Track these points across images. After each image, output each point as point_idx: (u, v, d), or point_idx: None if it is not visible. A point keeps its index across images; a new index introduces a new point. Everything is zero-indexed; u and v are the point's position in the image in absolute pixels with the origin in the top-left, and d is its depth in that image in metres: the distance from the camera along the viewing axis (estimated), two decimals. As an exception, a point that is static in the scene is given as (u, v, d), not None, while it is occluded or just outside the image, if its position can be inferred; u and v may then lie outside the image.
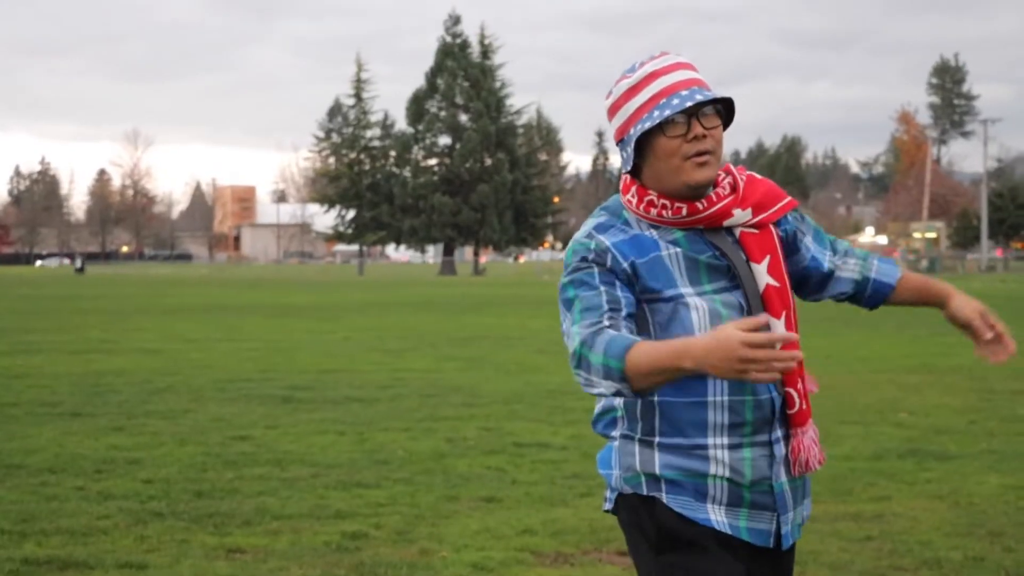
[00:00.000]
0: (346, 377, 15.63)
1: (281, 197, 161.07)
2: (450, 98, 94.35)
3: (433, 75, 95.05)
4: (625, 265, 2.98)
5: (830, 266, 3.27)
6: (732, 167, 3.13)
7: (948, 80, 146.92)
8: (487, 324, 27.16)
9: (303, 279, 71.53)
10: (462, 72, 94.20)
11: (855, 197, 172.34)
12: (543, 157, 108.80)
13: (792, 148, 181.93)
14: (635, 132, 2.98)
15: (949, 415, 12.09)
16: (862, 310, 3.12)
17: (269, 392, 13.85)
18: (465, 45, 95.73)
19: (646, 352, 2.76)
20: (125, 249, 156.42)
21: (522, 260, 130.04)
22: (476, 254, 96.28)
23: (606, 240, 3.01)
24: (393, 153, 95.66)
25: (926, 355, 18.73)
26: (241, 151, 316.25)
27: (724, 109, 3.06)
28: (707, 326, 2.95)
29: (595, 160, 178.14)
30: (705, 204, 3.01)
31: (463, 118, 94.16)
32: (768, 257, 3.06)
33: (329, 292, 48.51)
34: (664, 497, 3.01)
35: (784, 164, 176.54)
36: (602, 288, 2.95)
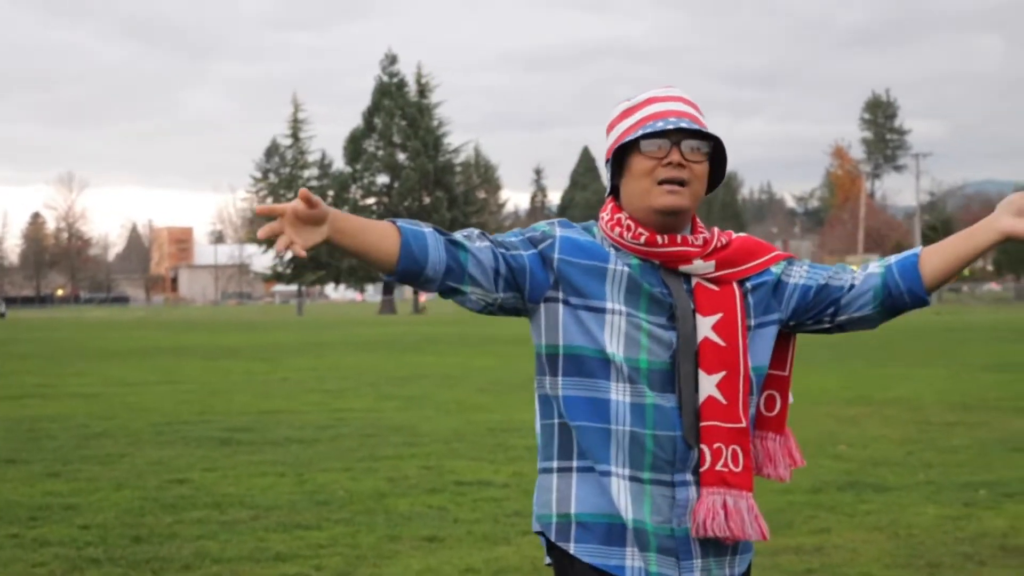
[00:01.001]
0: (285, 418, 15.52)
1: (219, 238, 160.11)
2: (388, 137, 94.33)
3: (370, 114, 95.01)
4: (554, 255, 2.96)
5: (823, 281, 3.10)
6: (718, 231, 3.06)
7: (880, 115, 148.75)
8: (427, 363, 27.09)
9: (241, 320, 71.06)
10: (399, 111, 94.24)
11: (791, 231, 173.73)
12: (481, 195, 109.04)
13: (729, 184, 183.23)
14: (615, 150, 3.02)
15: (887, 447, 12.18)
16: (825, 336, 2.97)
17: (207, 434, 13.72)
18: (402, 84, 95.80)
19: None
20: (60, 292, 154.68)
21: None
22: (416, 293, 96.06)
23: (559, 232, 3.00)
24: (331, 193, 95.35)
25: (864, 387, 18.87)
26: (178, 193, 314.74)
27: (715, 154, 3.04)
28: (619, 345, 2.90)
29: (533, 197, 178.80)
30: (666, 240, 2.97)
31: (401, 157, 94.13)
32: (720, 314, 2.97)
33: (268, 332, 48.22)
34: (572, 547, 2.96)
35: (721, 199, 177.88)
36: (513, 239, 3.00)
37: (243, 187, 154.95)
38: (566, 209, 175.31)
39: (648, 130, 2.93)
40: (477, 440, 13.12)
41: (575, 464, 2.97)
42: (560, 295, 2.96)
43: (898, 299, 3.08)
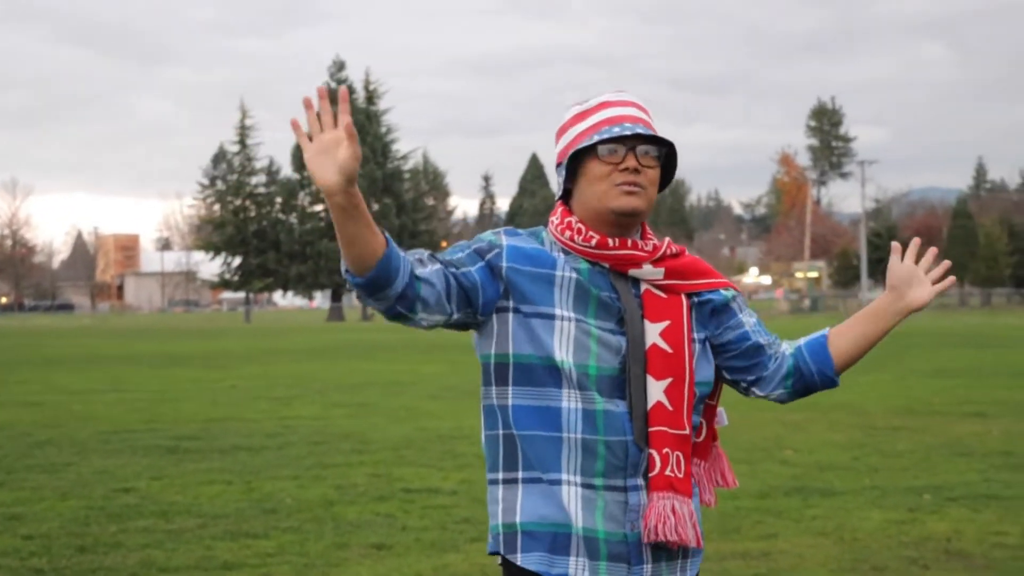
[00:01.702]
0: (233, 426, 15.44)
1: (165, 245, 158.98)
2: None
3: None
4: (502, 265, 2.94)
5: (762, 342, 3.14)
6: (669, 241, 3.07)
7: (826, 123, 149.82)
8: (376, 370, 27.02)
9: (189, 327, 70.61)
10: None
11: (739, 238, 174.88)
12: (430, 202, 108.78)
13: (676, 190, 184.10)
14: (570, 154, 3.00)
15: (833, 452, 12.28)
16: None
17: (154, 443, 13.63)
18: (350, 91, 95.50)
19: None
20: (4, 300, 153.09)
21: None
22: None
23: (505, 241, 2.98)
24: (279, 199, 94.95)
25: (810, 393, 18.98)
26: (124, 199, 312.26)
27: (666, 162, 3.06)
28: (568, 351, 2.89)
29: (482, 204, 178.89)
30: (617, 243, 2.97)
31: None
32: (668, 322, 2.98)
33: (215, 340, 47.94)
34: (519, 558, 2.94)
35: (668, 206, 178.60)
36: (461, 255, 2.96)
37: (190, 194, 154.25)
38: (515, 216, 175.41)
39: (605, 135, 2.94)
40: (426, 447, 13.11)
41: (520, 475, 2.95)
42: (511, 304, 2.94)
43: (809, 381, 3.18)
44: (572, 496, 2.91)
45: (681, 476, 2.95)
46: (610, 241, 2.96)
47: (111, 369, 28.42)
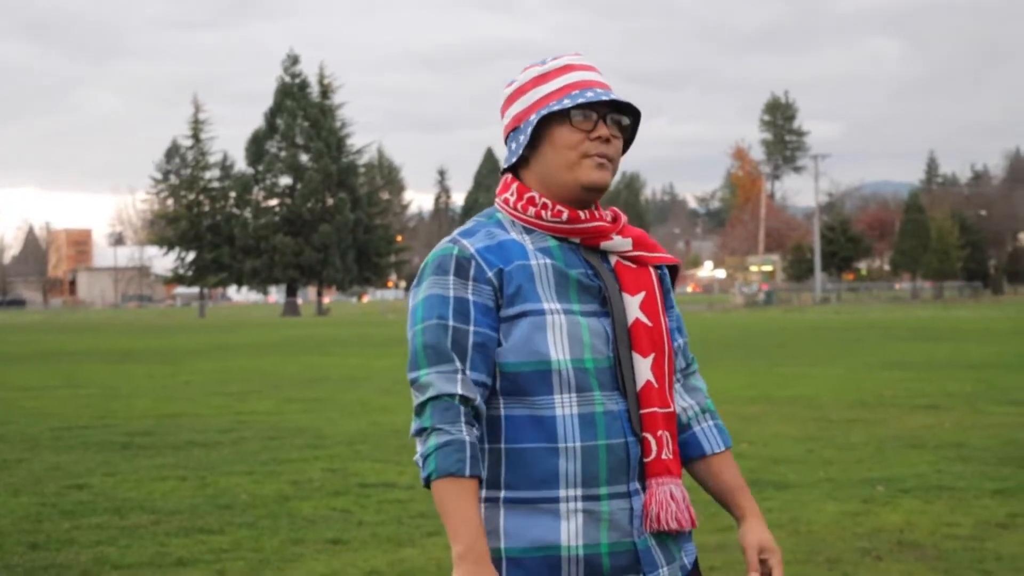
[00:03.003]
0: (187, 421, 15.36)
1: (118, 240, 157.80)
2: (290, 138, 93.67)
3: (272, 115, 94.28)
4: (491, 274, 2.66)
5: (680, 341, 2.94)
6: (618, 211, 2.86)
7: (780, 117, 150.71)
8: (331, 365, 26.95)
9: (142, 323, 70.18)
10: (302, 112, 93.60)
11: (693, 232, 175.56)
12: (385, 196, 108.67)
13: (631, 184, 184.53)
14: (536, 117, 2.73)
15: (788, 444, 12.34)
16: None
17: (107, 439, 13.53)
18: (304, 85, 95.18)
19: (455, 500, 2.53)
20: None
21: (366, 299, 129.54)
22: (319, 294, 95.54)
23: (470, 246, 2.68)
24: (233, 194, 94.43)
25: (765, 386, 19.10)
26: (76, 194, 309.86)
27: (626, 133, 2.85)
28: (564, 347, 2.64)
29: (437, 198, 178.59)
30: (587, 215, 2.74)
31: (303, 158, 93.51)
32: (643, 293, 2.77)
33: (169, 336, 47.67)
34: None
35: (623, 200, 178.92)
36: (451, 322, 2.63)
37: (143, 188, 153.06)
38: (470, 210, 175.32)
39: (579, 100, 2.70)
40: (381, 441, 13.08)
41: (503, 495, 2.66)
42: (505, 312, 2.69)
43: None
44: (571, 512, 2.64)
45: (672, 457, 2.76)
46: (582, 214, 2.74)
47: (63, 365, 28.20)
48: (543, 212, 2.74)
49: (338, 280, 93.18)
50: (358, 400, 18.11)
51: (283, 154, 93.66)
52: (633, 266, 2.81)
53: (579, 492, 2.64)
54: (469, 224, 2.78)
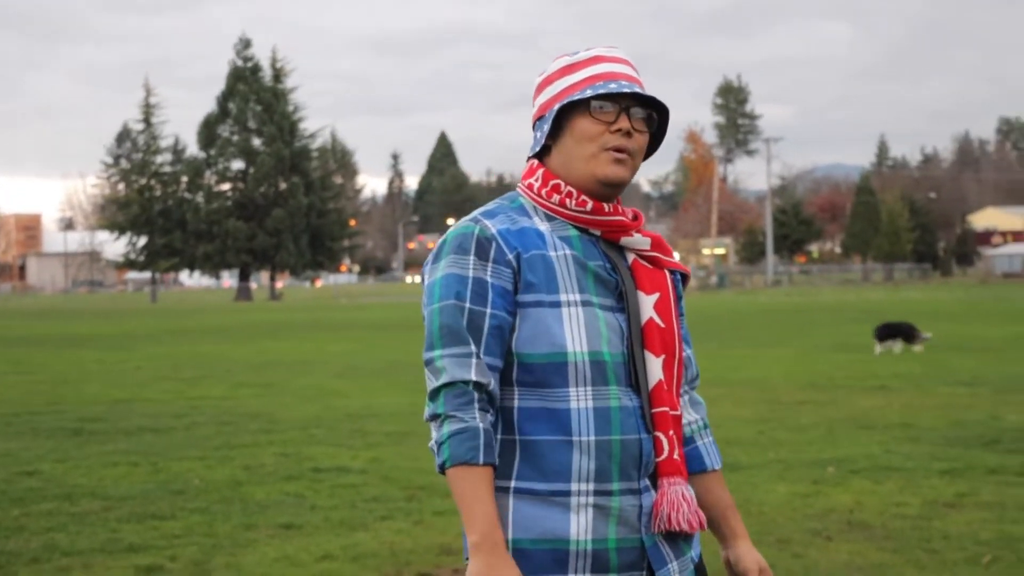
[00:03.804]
0: (139, 407, 15.28)
1: (69, 225, 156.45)
2: (242, 122, 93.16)
3: (224, 99, 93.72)
4: (511, 256, 2.63)
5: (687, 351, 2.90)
6: (637, 211, 2.83)
7: (732, 100, 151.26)
8: (284, 349, 26.86)
9: (93, 308, 69.65)
10: (254, 96, 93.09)
11: (647, 215, 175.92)
12: (338, 180, 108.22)
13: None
14: (558, 106, 2.71)
15: (739, 426, 12.42)
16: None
17: (57, 425, 13.43)
18: (256, 69, 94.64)
19: (470, 488, 2.53)
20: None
21: (319, 284, 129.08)
22: (272, 279, 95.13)
23: (492, 226, 2.65)
24: (185, 178, 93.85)
25: (717, 368, 19.21)
26: (25, 179, 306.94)
27: (654, 129, 2.82)
28: (581, 339, 2.62)
29: (391, 182, 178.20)
30: (610, 208, 2.72)
31: (256, 142, 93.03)
32: (658, 294, 2.74)
33: (120, 321, 47.34)
34: None
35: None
36: (468, 304, 2.60)
37: (93, 173, 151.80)
38: (424, 194, 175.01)
39: (601, 90, 2.67)
40: (335, 426, 13.07)
41: (513, 484, 2.63)
42: (523, 297, 2.65)
43: None
44: (582, 506, 2.61)
45: (680, 459, 2.73)
46: (606, 207, 2.72)
47: (12, 351, 27.96)
48: (567, 200, 2.72)
49: (291, 265, 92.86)
50: (311, 385, 18.07)
51: (235, 138, 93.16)
52: (649, 266, 2.78)
53: (591, 487, 2.62)
54: (490, 206, 2.75)
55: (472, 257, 2.63)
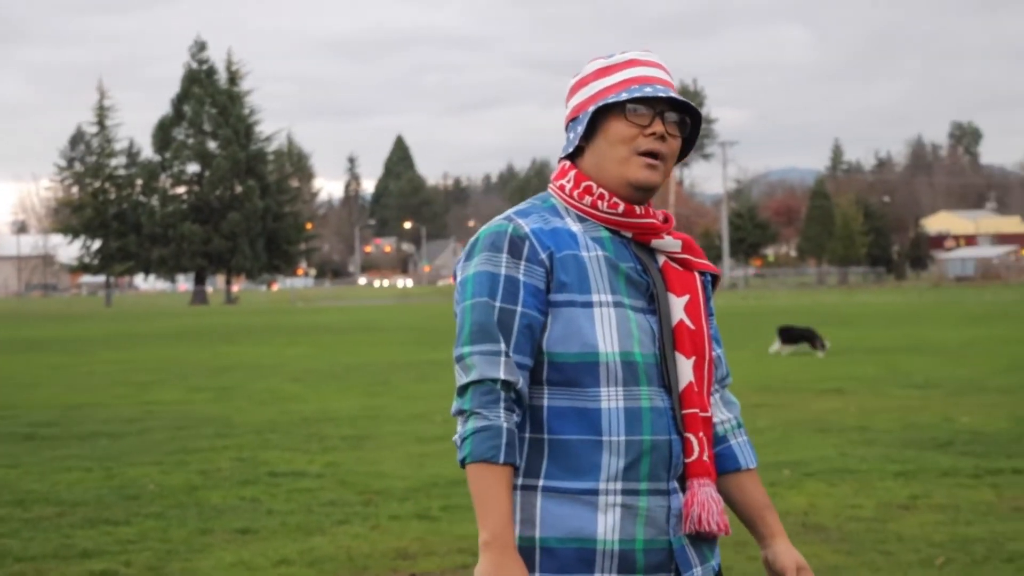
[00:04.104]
0: (93, 411, 15.16)
1: (21, 228, 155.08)
2: (197, 125, 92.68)
3: (179, 102, 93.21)
4: (543, 255, 2.63)
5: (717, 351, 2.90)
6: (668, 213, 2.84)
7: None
8: (240, 353, 26.74)
9: (46, 312, 69.09)
10: (209, 99, 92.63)
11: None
12: (294, 184, 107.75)
13: (542, 172, 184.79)
14: (593, 108, 2.71)
15: (695, 429, 12.46)
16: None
17: (9, 430, 13.32)
18: (212, 71, 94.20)
19: (487, 487, 2.53)
20: None
21: (275, 288, 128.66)
22: (228, 282, 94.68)
23: (525, 225, 2.66)
24: (140, 181, 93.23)
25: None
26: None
27: (688, 134, 2.81)
28: (613, 340, 2.63)
29: (347, 186, 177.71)
30: (642, 211, 2.73)
31: (211, 145, 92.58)
32: (688, 296, 2.76)
33: (74, 325, 46.99)
34: None
35: (534, 188, 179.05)
36: (499, 303, 2.61)
37: (47, 176, 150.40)
38: (380, 197, 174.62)
39: (636, 94, 2.68)
40: (291, 430, 13.02)
41: (541, 483, 2.63)
42: (555, 296, 2.66)
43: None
44: (610, 506, 2.61)
45: (709, 461, 2.74)
46: (638, 209, 2.73)
47: (-35, 355, 27.68)
48: (599, 202, 2.72)
49: (247, 268, 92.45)
50: (268, 389, 17.99)
51: (190, 141, 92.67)
52: (680, 268, 2.79)
53: (619, 486, 2.62)
54: (523, 205, 2.75)
55: (505, 255, 2.63)
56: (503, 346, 2.59)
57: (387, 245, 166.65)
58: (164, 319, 52.47)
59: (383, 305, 68.68)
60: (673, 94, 2.71)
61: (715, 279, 2.92)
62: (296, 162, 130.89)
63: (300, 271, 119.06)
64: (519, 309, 2.62)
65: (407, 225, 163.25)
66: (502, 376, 2.57)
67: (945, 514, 8.23)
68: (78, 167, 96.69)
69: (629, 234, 2.74)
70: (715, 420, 2.84)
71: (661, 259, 2.78)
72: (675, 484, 2.68)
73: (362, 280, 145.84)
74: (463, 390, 2.60)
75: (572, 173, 2.76)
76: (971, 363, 20.12)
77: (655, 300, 2.72)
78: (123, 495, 9.30)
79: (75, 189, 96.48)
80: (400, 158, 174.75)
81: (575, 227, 2.71)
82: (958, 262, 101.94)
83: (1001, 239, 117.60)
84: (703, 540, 2.74)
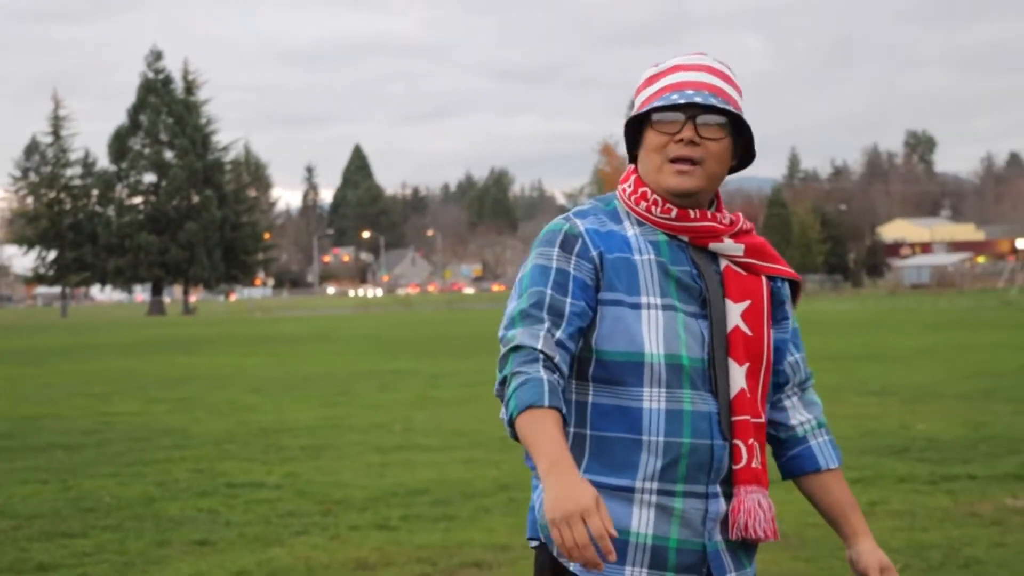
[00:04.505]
0: (49, 423, 15.04)
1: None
2: (154, 135, 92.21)
3: (136, 112, 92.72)
4: (594, 253, 2.69)
5: (790, 377, 2.89)
6: (742, 217, 2.85)
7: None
8: (198, 364, 26.59)
9: (0, 323, 68.50)
10: (166, 108, 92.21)
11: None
12: (252, 193, 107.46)
13: (500, 181, 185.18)
14: (626, 121, 2.80)
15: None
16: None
17: (-35, 443, 13.18)
18: (168, 81, 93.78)
19: (537, 425, 2.48)
20: None
21: (233, 298, 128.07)
22: (186, 293, 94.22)
23: (580, 225, 2.73)
24: (96, 192, 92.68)
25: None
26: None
27: (740, 131, 2.79)
28: (659, 342, 2.66)
29: (305, 195, 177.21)
30: (697, 215, 2.75)
31: (168, 155, 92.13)
32: (749, 302, 2.76)
33: (29, 336, 46.61)
34: (571, 563, 2.66)
35: (492, 196, 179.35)
36: (549, 291, 2.66)
37: (1, 186, 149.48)
38: (339, 207, 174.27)
39: (660, 103, 2.72)
40: (249, 441, 12.96)
41: (587, 478, 2.64)
42: (604, 295, 2.71)
43: (772, 449, 2.92)
44: (644, 503, 2.66)
45: (761, 468, 2.75)
46: (691, 213, 2.75)
47: (-81, 368, 27.40)
48: (653, 208, 2.75)
49: (205, 278, 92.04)
50: (226, 399, 17.90)
51: (147, 151, 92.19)
52: (744, 273, 2.79)
53: (655, 485, 2.66)
54: (585, 205, 2.82)
55: (557, 250, 2.70)
56: (547, 324, 2.62)
57: (345, 255, 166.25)
58: (121, 330, 52.13)
59: (342, 315, 68.50)
60: (700, 98, 2.70)
61: (796, 285, 2.90)
62: (254, 172, 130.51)
63: (258, 281, 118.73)
64: (568, 299, 2.66)
65: (366, 234, 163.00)
66: (541, 347, 2.58)
67: (902, 520, 8.28)
68: (33, 177, 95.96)
69: (686, 238, 2.76)
70: (794, 422, 2.86)
71: (724, 263, 2.78)
72: (716, 488, 2.70)
73: (330, 290, 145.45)
74: (504, 359, 2.61)
75: (633, 178, 2.82)
76: (927, 370, 20.27)
77: (708, 305, 2.73)
78: (80, 507, 9.23)
79: (30, 199, 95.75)
80: (358, 167, 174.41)
81: (633, 230, 2.76)
82: (914, 270, 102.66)
83: (956, 247, 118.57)
84: (743, 547, 2.77)
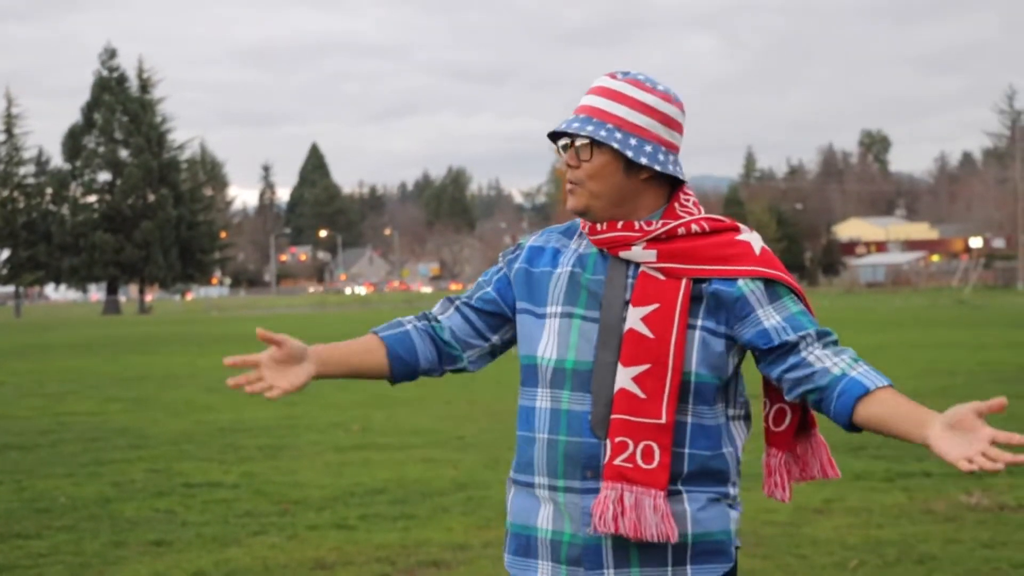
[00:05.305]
0: (3, 423, 14.91)
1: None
2: (108, 133, 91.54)
3: (90, 110, 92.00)
4: (516, 266, 3.01)
5: (789, 338, 2.85)
6: (706, 222, 2.86)
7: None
8: (154, 363, 26.44)
9: (-46, 323, 67.83)
10: (120, 106, 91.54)
11: (520, 227, 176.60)
12: (208, 192, 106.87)
13: (457, 180, 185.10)
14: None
15: (612, 435, 12.52)
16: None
17: (-82, 444, 13.06)
18: (123, 79, 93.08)
19: (353, 340, 3.03)
20: None
21: (190, 297, 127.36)
22: (142, 292, 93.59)
23: (528, 240, 3.05)
24: (50, 190, 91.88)
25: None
26: None
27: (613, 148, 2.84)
28: (552, 347, 2.88)
29: (262, 194, 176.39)
30: (604, 227, 2.87)
31: (123, 153, 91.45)
32: (655, 305, 2.80)
33: (-17, 336, 46.16)
34: (505, 558, 2.99)
35: (450, 196, 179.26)
36: (487, 275, 3.08)
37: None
38: (296, 206, 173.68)
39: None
40: (206, 440, 12.90)
41: (512, 476, 3.00)
42: (518, 304, 3.00)
43: (825, 411, 2.91)
44: (544, 499, 2.89)
45: (650, 467, 2.77)
46: (598, 226, 2.89)
47: None
48: (584, 225, 2.96)
49: (161, 277, 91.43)
50: (182, 399, 17.81)
51: (101, 149, 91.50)
52: (661, 277, 2.84)
53: (545, 481, 2.88)
54: (557, 226, 3.06)
55: (502, 257, 3.07)
56: (457, 301, 3.07)
57: (303, 254, 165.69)
58: (76, 329, 51.74)
59: (299, 314, 68.26)
60: (563, 126, 2.87)
61: (771, 283, 2.85)
62: (210, 170, 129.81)
63: (215, 280, 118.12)
64: (482, 280, 3.08)
65: (323, 233, 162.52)
66: (433, 311, 3.08)
67: (858, 517, 8.34)
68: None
69: (605, 249, 2.89)
70: (827, 364, 2.81)
71: (641, 268, 2.87)
72: (592, 484, 2.82)
73: (311, 289, 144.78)
74: None
75: None
76: (883, 368, 20.09)
77: (600, 309, 2.87)
78: (34, 508, 9.16)
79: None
80: (315, 166, 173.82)
81: (576, 244, 2.96)
82: (869, 268, 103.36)
83: (911, 245, 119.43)
84: (638, 546, 2.80)
